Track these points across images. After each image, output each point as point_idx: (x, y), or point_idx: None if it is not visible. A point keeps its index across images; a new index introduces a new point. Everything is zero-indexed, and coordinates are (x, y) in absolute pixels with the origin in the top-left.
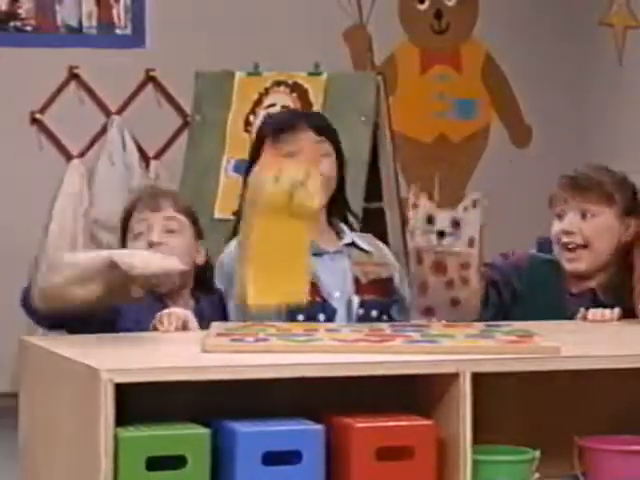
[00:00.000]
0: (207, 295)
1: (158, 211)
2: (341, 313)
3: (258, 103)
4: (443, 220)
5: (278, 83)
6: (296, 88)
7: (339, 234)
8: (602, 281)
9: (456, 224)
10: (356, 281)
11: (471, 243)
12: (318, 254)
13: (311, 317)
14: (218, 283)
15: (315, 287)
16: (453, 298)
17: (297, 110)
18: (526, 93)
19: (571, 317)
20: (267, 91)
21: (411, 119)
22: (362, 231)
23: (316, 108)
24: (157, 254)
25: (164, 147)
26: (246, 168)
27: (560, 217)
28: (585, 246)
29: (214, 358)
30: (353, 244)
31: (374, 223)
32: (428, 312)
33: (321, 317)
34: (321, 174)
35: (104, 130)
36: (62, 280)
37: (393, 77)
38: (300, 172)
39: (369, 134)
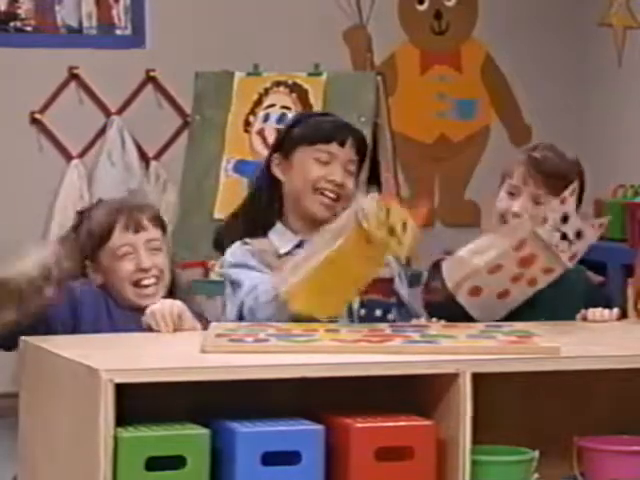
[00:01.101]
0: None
1: (140, 231)
2: (344, 315)
3: (258, 103)
4: (572, 225)
5: (278, 83)
6: (296, 88)
7: None
8: None
9: (579, 235)
10: None
11: (572, 258)
12: None
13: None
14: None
15: None
16: (505, 289)
17: (344, 122)
18: (526, 93)
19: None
20: (267, 91)
21: (411, 119)
22: None
23: (316, 109)
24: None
25: (164, 147)
26: (267, 159)
27: (513, 195)
28: None
29: (213, 358)
30: None
31: None
32: (476, 291)
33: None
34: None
35: (104, 130)
36: None
37: (393, 77)
38: (405, 217)
39: (369, 134)
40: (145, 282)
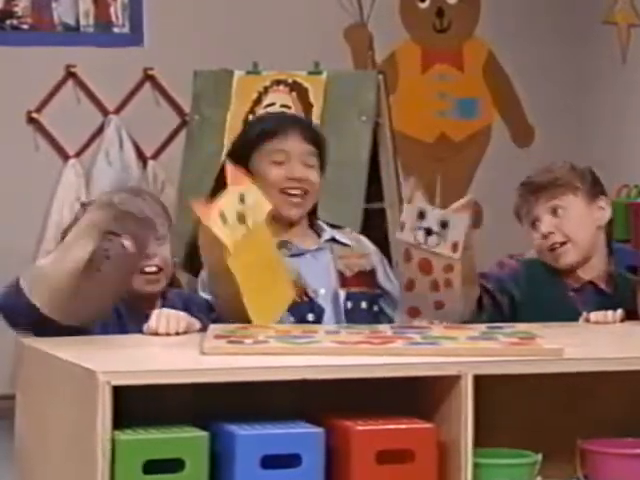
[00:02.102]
0: (171, 288)
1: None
2: (329, 310)
3: (257, 102)
4: (432, 218)
5: (277, 82)
6: (296, 87)
7: (319, 233)
8: (597, 271)
9: (444, 225)
10: (340, 275)
11: (454, 248)
12: (299, 254)
13: (300, 318)
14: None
15: (300, 287)
16: (437, 301)
17: (289, 115)
18: (528, 92)
19: (578, 313)
20: (266, 90)
21: (412, 118)
22: (362, 232)
23: (316, 108)
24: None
25: (162, 147)
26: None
27: (535, 226)
28: (566, 242)
29: (212, 360)
30: (333, 239)
31: (375, 224)
32: (414, 312)
33: (310, 317)
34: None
35: (101, 129)
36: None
37: (394, 76)
38: (233, 198)
39: (370, 134)
40: (147, 269)
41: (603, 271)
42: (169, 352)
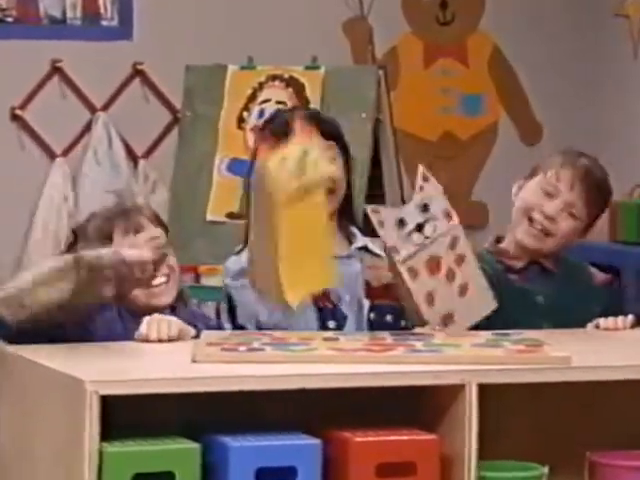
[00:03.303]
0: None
1: (140, 232)
2: (351, 318)
3: (252, 98)
4: (411, 213)
5: (273, 77)
6: (292, 83)
7: (350, 238)
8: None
9: (424, 207)
10: (367, 285)
11: (448, 215)
12: None
13: (321, 323)
14: (226, 291)
15: (325, 292)
16: (458, 287)
17: (302, 109)
18: (536, 88)
19: (522, 291)
20: (261, 86)
21: (414, 116)
22: (362, 234)
23: (313, 104)
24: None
25: (153, 145)
26: (247, 171)
27: (550, 195)
28: (553, 235)
29: (205, 369)
30: (365, 248)
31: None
32: (447, 320)
33: (331, 323)
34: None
35: (89, 127)
36: (30, 281)
37: (395, 71)
38: (298, 149)
39: (370, 132)
40: (155, 281)
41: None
42: (160, 360)
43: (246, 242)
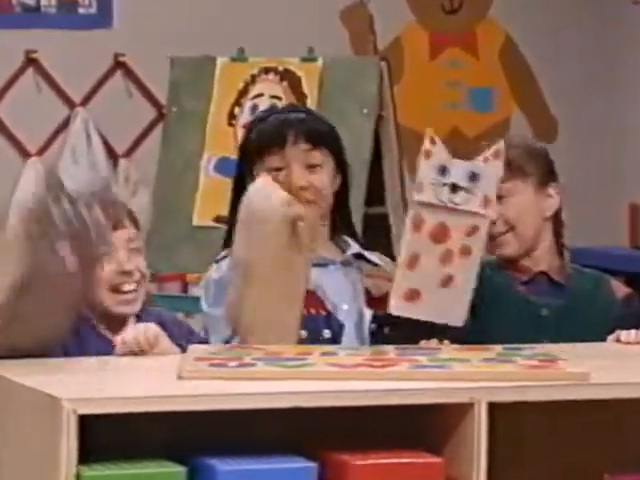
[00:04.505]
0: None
1: (119, 229)
2: (350, 327)
3: (243, 93)
4: (458, 171)
5: (266, 70)
6: (287, 76)
7: (343, 248)
8: (546, 262)
9: (473, 177)
10: (367, 294)
11: (487, 202)
12: (323, 264)
13: (315, 333)
14: (206, 305)
15: (318, 299)
16: (447, 275)
17: (287, 114)
18: (550, 80)
19: (532, 305)
20: (254, 79)
21: (420, 111)
22: (362, 239)
23: (310, 99)
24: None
25: (135, 143)
26: (235, 179)
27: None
28: (509, 230)
29: (191, 386)
30: (361, 256)
31: (376, 231)
32: (413, 295)
33: (326, 332)
34: (308, 187)
35: (66, 124)
36: None
37: (399, 63)
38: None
39: (371, 129)
40: (126, 287)
41: (553, 263)
42: (142, 376)
43: (226, 246)
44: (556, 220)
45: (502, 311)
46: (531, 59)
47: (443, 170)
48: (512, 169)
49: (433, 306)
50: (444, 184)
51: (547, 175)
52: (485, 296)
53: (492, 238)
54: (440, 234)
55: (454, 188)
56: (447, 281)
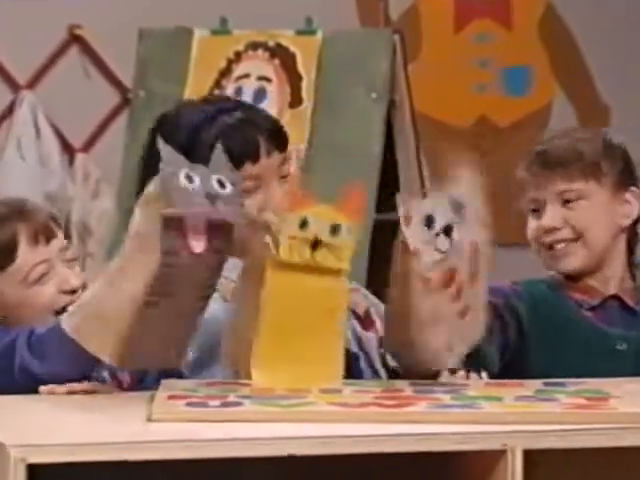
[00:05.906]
0: None
1: (52, 240)
2: (361, 356)
3: (226, 73)
4: (443, 210)
5: (254, 45)
6: (279, 52)
7: None
8: (618, 282)
9: (458, 207)
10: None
11: (482, 220)
12: None
13: None
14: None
15: None
16: (461, 308)
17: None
18: (602, 60)
19: (604, 334)
20: (239, 56)
21: (440, 96)
22: (372, 249)
23: (307, 80)
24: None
25: (95, 134)
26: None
27: (536, 212)
28: (576, 239)
29: (164, 430)
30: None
31: (388, 240)
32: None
33: None
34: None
35: (10, 110)
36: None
37: (415, 37)
38: (333, 217)
39: (382, 116)
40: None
41: (625, 285)
42: (106, 417)
43: None
44: (630, 233)
45: (564, 342)
46: (577, 32)
47: (429, 220)
48: (584, 166)
49: (461, 340)
50: (437, 234)
51: (626, 177)
52: (538, 322)
53: (551, 247)
54: (448, 278)
55: (447, 230)
56: (464, 312)
